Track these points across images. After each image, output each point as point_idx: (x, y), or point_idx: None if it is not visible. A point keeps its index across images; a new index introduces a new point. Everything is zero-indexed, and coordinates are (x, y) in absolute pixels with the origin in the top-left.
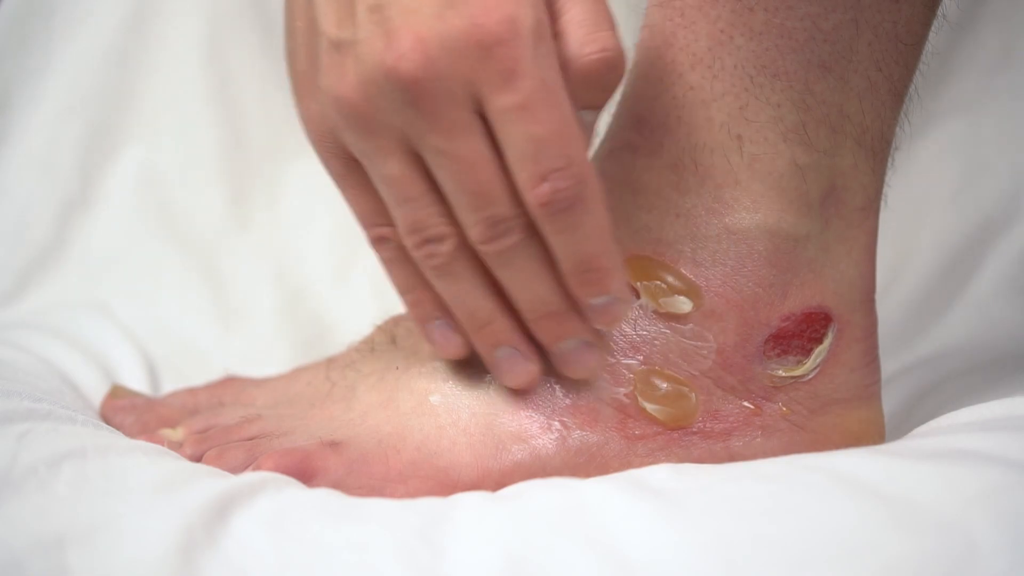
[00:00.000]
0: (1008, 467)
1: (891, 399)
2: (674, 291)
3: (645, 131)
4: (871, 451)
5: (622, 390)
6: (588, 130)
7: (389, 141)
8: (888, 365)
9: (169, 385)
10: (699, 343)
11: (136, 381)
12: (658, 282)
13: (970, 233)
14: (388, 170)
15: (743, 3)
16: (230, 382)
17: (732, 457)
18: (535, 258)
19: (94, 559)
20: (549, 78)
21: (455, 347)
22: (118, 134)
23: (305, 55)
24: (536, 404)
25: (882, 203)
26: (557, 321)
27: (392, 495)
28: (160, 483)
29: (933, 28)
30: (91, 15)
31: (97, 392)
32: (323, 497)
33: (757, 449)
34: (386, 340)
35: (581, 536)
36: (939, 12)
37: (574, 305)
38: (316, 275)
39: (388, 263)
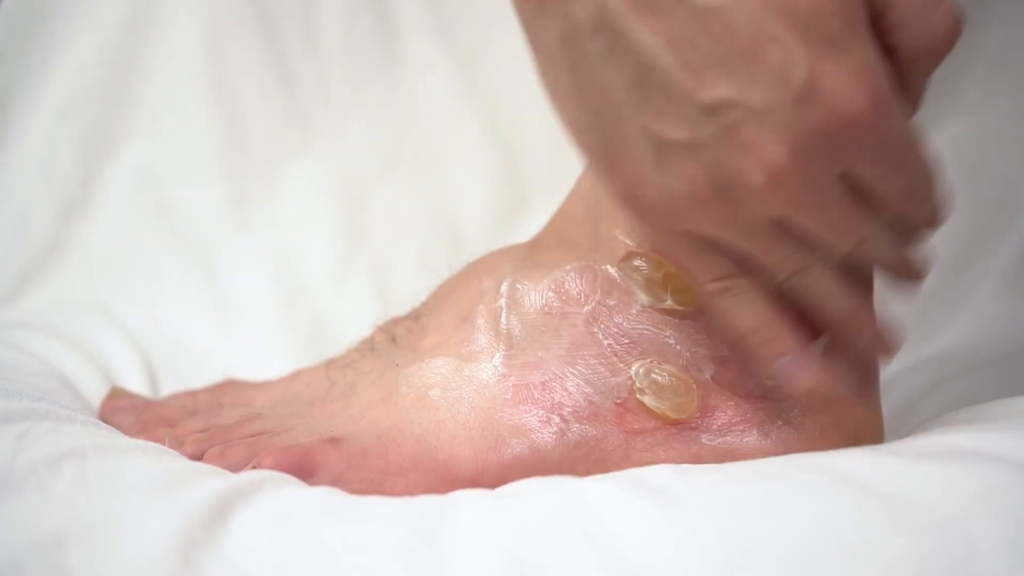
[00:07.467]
0: (1008, 467)
1: (891, 399)
2: (673, 287)
3: None
4: (871, 451)
5: (621, 384)
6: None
7: (753, 225)
8: (888, 365)
9: (168, 386)
10: (698, 339)
11: (135, 383)
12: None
13: (970, 233)
14: (751, 245)
15: None
16: (229, 384)
17: (731, 453)
18: (885, 248)
19: (94, 559)
20: (905, 125)
21: (810, 374)
22: (118, 134)
23: (609, 135)
24: (535, 398)
25: None
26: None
27: (392, 489)
28: (160, 483)
29: None
30: (91, 15)
31: (96, 394)
32: (323, 496)
33: (755, 446)
34: (386, 339)
35: (581, 536)
36: None
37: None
38: (316, 275)
39: (734, 307)
